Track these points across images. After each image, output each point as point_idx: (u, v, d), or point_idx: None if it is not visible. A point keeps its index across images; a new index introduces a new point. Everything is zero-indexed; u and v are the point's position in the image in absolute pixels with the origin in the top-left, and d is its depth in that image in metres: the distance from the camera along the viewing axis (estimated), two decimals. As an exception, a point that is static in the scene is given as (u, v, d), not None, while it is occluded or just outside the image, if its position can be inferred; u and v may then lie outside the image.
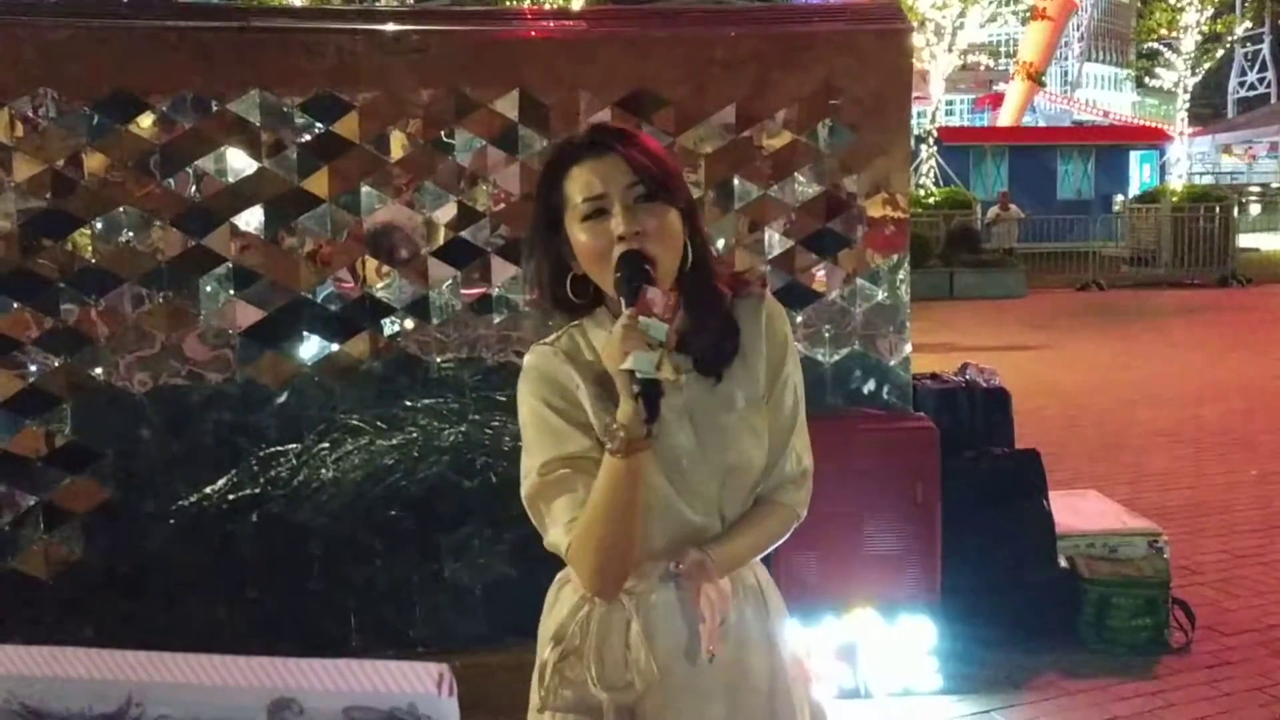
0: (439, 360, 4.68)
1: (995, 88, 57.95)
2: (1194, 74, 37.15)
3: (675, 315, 1.75)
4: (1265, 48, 79.47)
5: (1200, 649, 4.72)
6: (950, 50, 29.21)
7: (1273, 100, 72.33)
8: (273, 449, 4.52)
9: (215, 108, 4.40)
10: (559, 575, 1.99)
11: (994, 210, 24.43)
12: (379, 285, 4.60)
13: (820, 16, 5.09)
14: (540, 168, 1.92)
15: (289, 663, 1.03)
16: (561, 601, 1.93)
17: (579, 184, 1.81)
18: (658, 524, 1.81)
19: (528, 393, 1.85)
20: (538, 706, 1.91)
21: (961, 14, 28.71)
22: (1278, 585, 5.51)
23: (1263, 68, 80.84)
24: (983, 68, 57.81)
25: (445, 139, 4.58)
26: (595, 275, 1.82)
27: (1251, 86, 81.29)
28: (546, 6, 22.85)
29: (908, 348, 4.85)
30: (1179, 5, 35.34)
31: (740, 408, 1.87)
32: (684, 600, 1.84)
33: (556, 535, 1.79)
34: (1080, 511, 5.18)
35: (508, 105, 4.61)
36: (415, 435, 4.62)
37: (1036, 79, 38.80)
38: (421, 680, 1.01)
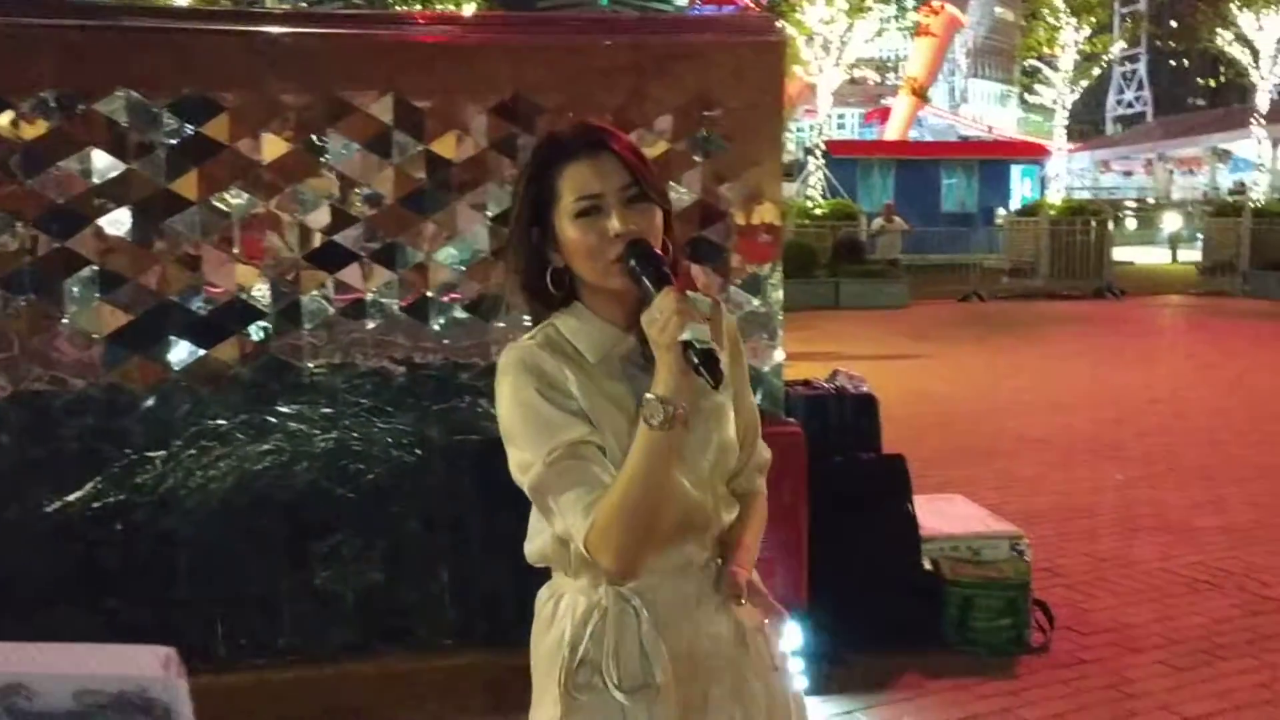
0: (311, 366, 4.64)
1: (884, 102, 59.06)
2: (1072, 91, 38.22)
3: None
4: (1142, 68, 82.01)
5: (1059, 648, 4.87)
6: (837, 65, 29.67)
7: (1148, 119, 74.74)
8: (138, 456, 4.44)
9: (81, 108, 4.31)
10: (547, 589, 1.99)
11: (879, 221, 24.87)
12: (249, 289, 4.55)
13: (696, 28, 5.17)
14: (528, 161, 1.94)
15: (18, 647, 1.03)
16: (563, 613, 1.92)
17: (574, 181, 1.85)
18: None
19: (517, 387, 1.85)
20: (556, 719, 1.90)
21: (849, 29, 29.19)
22: (1136, 587, 5.71)
23: (1140, 87, 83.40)
24: (871, 83, 58.87)
25: (319, 142, 4.55)
26: (584, 269, 1.86)
27: (1129, 105, 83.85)
28: (437, 9, 22.72)
29: (779, 355, 4.92)
30: (1057, 24, 36.33)
31: (716, 394, 1.92)
32: (689, 598, 1.91)
33: (571, 522, 1.79)
34: (945, 515, 5.31)
35: (382, 110, 4.60)
36: (285, 442, 4.57)
37: (921, 94, 39.62)
38: (149, 663, 1.02)
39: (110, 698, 1.04)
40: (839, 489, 4.70)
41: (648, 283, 1.77)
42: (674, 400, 1.72)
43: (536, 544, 1.96)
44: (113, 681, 1.03)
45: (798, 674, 2.16)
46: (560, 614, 1.92)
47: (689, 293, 1.73)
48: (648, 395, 1.74)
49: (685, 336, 1.69)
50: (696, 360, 1.69)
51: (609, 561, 1.79)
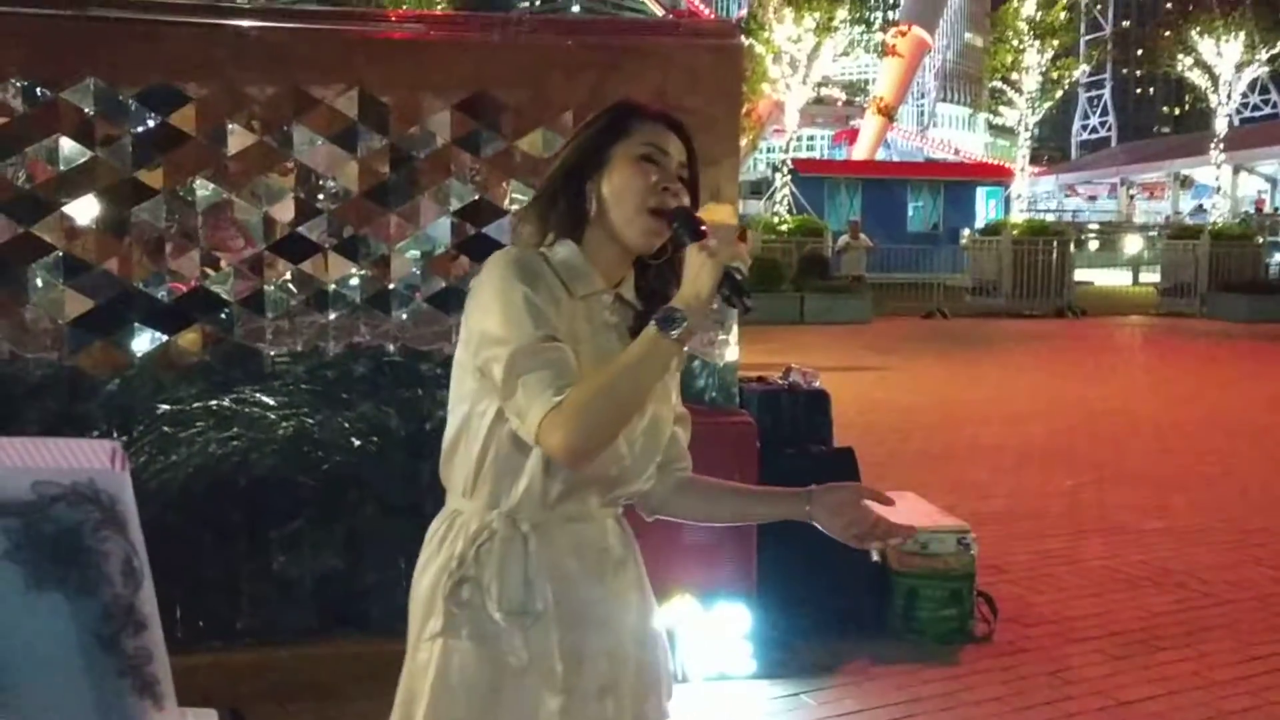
0: (273, 354, 4.72)
1: (852, 124, 59.56)
2: (1034, 112, 38.61)
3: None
4: (1107, 94, 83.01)
5: (1001, 638, 4.99)
6: (805, 82, 29.94)
7: (1113, 144, 75.62)
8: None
9: (49, 95, 4.38)
10: (442, 514, 2.03)
11: (844, 238, 25.09)
12: (214, 278, 4.62)
13: (657, 30, 5.29)
14: (609, 108, 2.04)
15: None
16: (456, 533, 1.97)
17: (649, 134, 1.98)
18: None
19: (508, 280, 1.88)
20: (429, 635, 1.95)
21: (816, 47, 29.48)
22: (1080, 583, 5.85)
23: (1104, 112, 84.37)
24: (839, 104, 59.32)
25: (284, 135, 4.64)
26: (620, 204, 1.95)
27: (1094, 130, 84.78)
28: (405, 8, 22.85)
29: (733, 350, 5.03)
30: (1021, 47, 36.76)
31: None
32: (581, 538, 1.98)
33: (536, 396, 1.81)
34: (895, 510, 5.42)
35: (347, 104, 4.69)
36: (247, 428, 4.64)
37: (889, 114, 39.92)
38: (97, 455, 1.12)
39: (64, 489, 1.13)
40: (789, 479, 4.79)
41: (687, 238, 1.87)
42: (696, 319, 1.78)
43: (451, 462, 2.01)
44: (66, 474, 1.12)
45: (672, 652, 2.21)
46: (454, 533, 1.98)
47: (740, 245, 1.84)
48: (673, 305, 1.80)
49: (733, 264, 1.80)
50: (729, 290, 1.79)
51: (562, 439, 1.80)
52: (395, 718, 2.02)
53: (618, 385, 1.81)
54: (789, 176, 30.67)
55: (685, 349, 1.84)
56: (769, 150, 47.16)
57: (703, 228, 1.87)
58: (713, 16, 32.52)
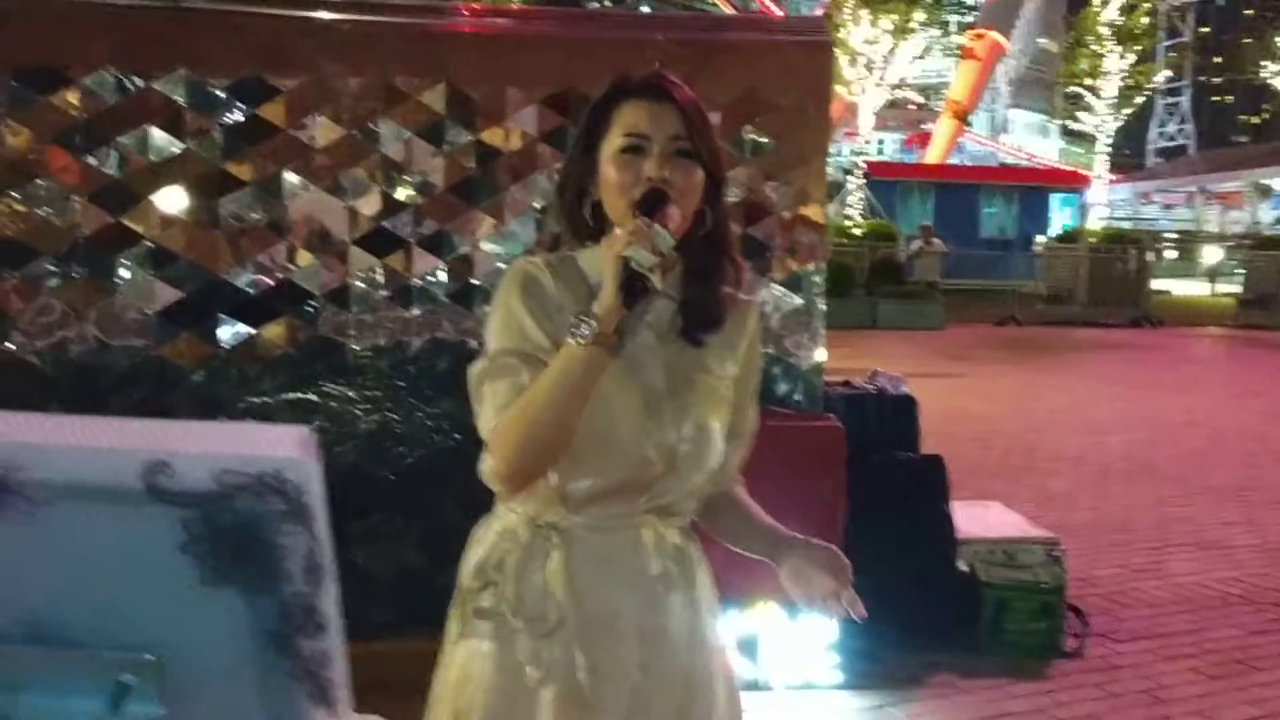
0: (357, 348, 4.70)
1: (924, 127, 58.99)
2: (1115, 118, 38.00)
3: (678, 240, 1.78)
4: (1185, 101, 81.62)
5: (1093, 653, 4.87)
6: (880, 84, 29.70)
7: (1191, 152, 74.35)
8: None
9: (140, 85, 4.39)
10: (484, 518, 1.99)
11: (917, 243, 24.81)
12: (299, 271, 4.61)
13: (745, 26, 5.21)
14: (594, 101, 1.96)
15: (163, 425, 1.07)
16: (489, 534, 1.94)
17: (626, 119, 1.87)
18: (620, 455, 1.83)
19: (507, 291, 1.87)
20: (454, 638, 1.93)
21: (892, 49, 29.24)
22: (1170, 598, 5.69)
23: (1182, 120, 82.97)
24: (911, 106, 58.82)
25: (372, 129, 4.61)
26: (610, 204, 1.87)
27: (1171, 138, 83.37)
28: (478, 5, 23.03)
29: (819, 353, 4.94)
30: (1101, 51, 36.19)
31: (712, 372, 1.93)
32: (612, 545, 1.88)
33: (487, 417, 1.81)
34: (982, 520, 5.31)
35: (435, 98, 4.66)
36: (330, 422, 4.63)
37: (963, 117, 39.50)
38: (285, 444, 1.06)
39: (249, 479, 1.08)
40: (877, 487, 4.71)
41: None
42: (602, 318, 1.71)
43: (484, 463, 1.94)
44: (252, 463, 1.07)
45: (737, 668, 2.10)
46: (487, 534, 1.94)
47: (656, 226, 1.72)
48: (580, 312, 1.74)
49: (626, 252, 1.69)
50: (623, 281, 1.69)
51: (496, 463, 1.79)
52: (429, 713, 1.98)
53: (535, 403, 1.76)
54: (864, 180, 30.45)
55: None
56: (837, 153, 46.83)
57: (670, 206, 1.77)
58: (784, 16, 32.39)
